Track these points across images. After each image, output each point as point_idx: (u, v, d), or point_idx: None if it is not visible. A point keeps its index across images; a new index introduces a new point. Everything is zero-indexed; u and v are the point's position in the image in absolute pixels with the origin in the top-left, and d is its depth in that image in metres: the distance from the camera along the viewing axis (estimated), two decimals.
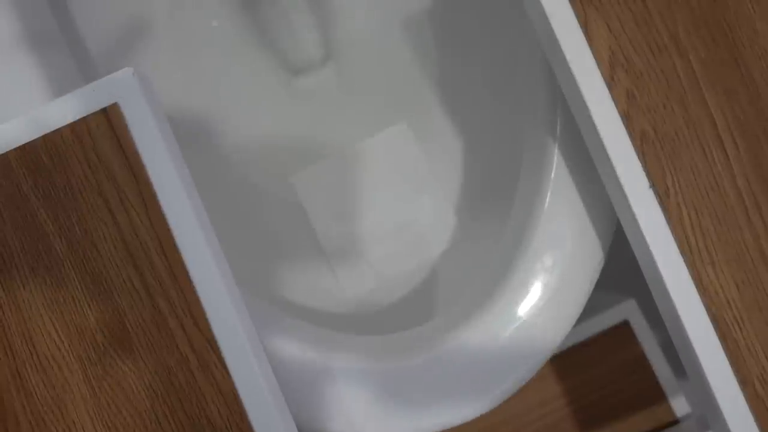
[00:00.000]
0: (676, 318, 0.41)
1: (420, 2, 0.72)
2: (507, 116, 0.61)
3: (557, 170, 0.49)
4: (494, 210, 0.59)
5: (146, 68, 0.71)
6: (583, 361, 0.74)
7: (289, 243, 0.69)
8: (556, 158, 0.49)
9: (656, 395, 0.73)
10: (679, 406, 0.73)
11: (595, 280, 0.49)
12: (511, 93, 0.60)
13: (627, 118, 0.41)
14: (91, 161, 0.42)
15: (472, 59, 0.68)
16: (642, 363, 0.73)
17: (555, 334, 0.48)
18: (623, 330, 0.73)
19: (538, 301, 0.48)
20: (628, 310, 0.73)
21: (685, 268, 0.41)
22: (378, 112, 0.73)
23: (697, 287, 0.41)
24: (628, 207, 0.42)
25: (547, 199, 0.49)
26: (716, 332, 0.40)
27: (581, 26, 0.42)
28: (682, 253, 0.41)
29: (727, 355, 0.40)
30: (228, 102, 0.75)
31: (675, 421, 0.73)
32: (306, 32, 0.78)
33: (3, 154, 0.42)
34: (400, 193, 0.70)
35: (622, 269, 0.64)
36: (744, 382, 0.40)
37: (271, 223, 0.70)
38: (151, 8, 0.71)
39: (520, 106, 0.55)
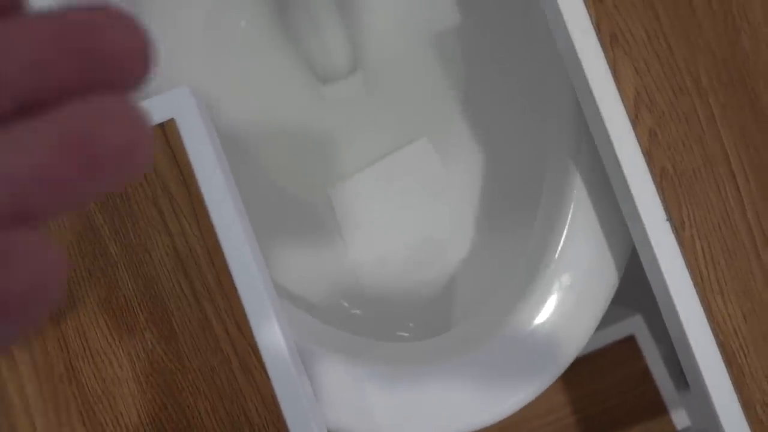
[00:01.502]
0: (686, 343, 0.44)
1: (449, 20, 0.74)
2: (530, 137, 0.63)
3: (578, 195, 0.51)
4: (513, 226, 0.62)
5: (182, 72, 0.74)
6: (589, 373, 0.77)
7: (315, 247, 0.72)
8: (578, 183, 0.51)
9: (658, 408, 0.76)
10: (680, 419, 0.76)
11: (609, 301, 0.52)
12: (536, 113, 0.62)
13: (649, 155, 0.44)
14: (147, 173, 0.45)
15: (497, 79, 0.71)
16: (645, 377, 0.76)
17: (567, 352, 0.51)
18: (629, 344, 0.76)
19: (555, 318, 0.51)
20: (634, 325, 0.76)
21: (696, 296, 0.44)
22: (403, 125, 0.76)
23: (706, 315, 0.44)
24: (646, 237, 0.45)
25: (568, 221, 0.52)
26: (722, 358, 0.44)
27: (610, 66, 0.45)
28: (694, 282, 0.44)
29: (731, 380, 0.44)
30: (255, 104, 0.77)
31: None
32: (335, 42, 0.80)
33: None
34: (423, 206, 0.73)
35: (631, 286, 0.67)
36: (746, 405, 0.44)
37: (297, 227, 0.73)
38: (190, 12, 0.73)
39: (544, 126, 0.58)
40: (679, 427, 0.76)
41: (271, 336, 0.44)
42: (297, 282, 0.69)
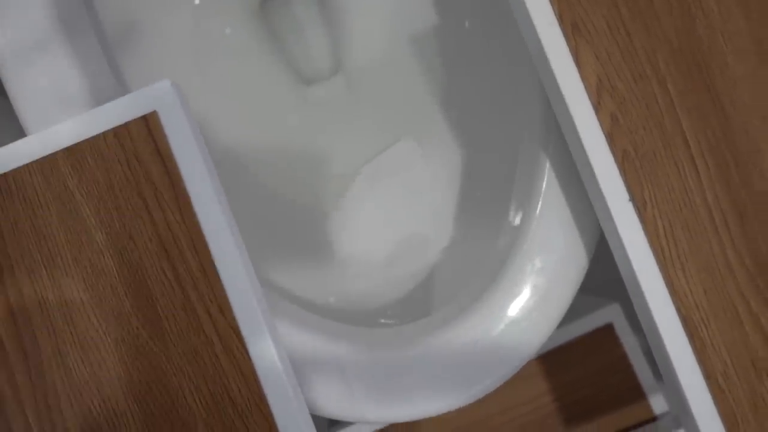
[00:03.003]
0: (650, 317, 0.46)
1: (427, 21, 0.77)
2: (505, 130, 0.66)
3: (548, 182, 0.54)
4: (489, 216, 0.64)
5: (167, 74, 0.75)
6: (569, 361, 0.79)
7: (303, 245, 0.73)
8: (547, 171, 0.54)
9: (636, 394, 0.78)
10: (658, 404, 0.78)
11: (580, 282, 0.54)
12: (510, 109, 0.64)
13: (610, 138, 0.46)
14: (131, 163, 0.47)
15: (474, 77, 0.73)
16: (624, 363, 0.78)
17: (542, 332, 0.53)
18: (607, 332, 0.78)
19: (528, 302, 0.53)
20: (611, 314, 0.78)
21: (659, 272, 0.46)
22: (385, 123, 0.78)
23: (669, 290, 0.46)
24: (610, 217, 0.47)
25: (539, 207, 0.54)
26: (685, 331, 0.46)
27: (572, 55, 0.47)
28: (657, 259, 0.46)
29: (693, 352, 0.46)
30: (241, 107, 0.79)
31: (653, 418, 0.77)
32: (318, 43, 0.82)
33: (52, 154, 0.47)
34: (405, 202, 0.75)
35: (608, 276, 0.69)
36: (708, 376, 0.45)
37: (284, 226, 0.75)
38: (177, 17, 0.75)
39: (517, 121, 0.60)
40: (657, 412, 0.78)
41: (253, 319, 0.46)
42: (282, 276, 0.71)
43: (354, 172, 0.79)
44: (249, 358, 0.46)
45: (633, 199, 0.46)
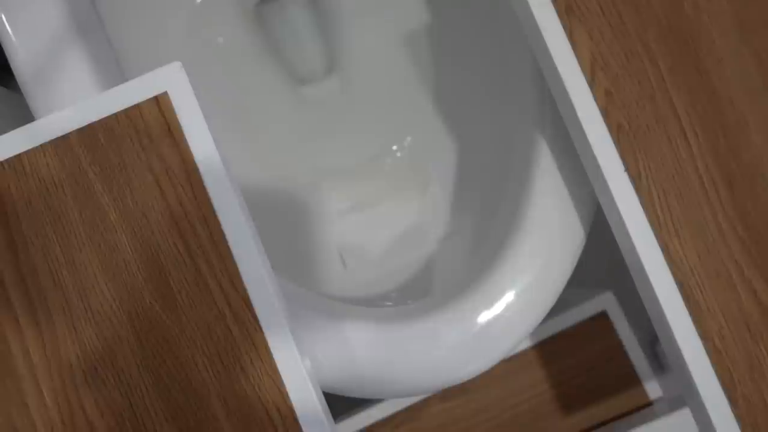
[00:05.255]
0: (648, 283, 0.48)
1: (418, 18, 0.79)
2: (500, 118, 0.68)
3: (544, 159, 0.56)
4: (487, 202, 0.66)
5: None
6: (565, 349, 0.80)
7: (302, 241, 0.75)
8: (544, 149, 0.56)
9: (631, 380, 0.80)
10: (653, 390, 0.79)
11: (577, 257, 0.56)
12: (504, 97, 0.67)
13: (605, 113, 0.48)
14: (143, 142, 0.48)
15: (468, 69, 0.75)
16: (618, 350, 0.80)
17: (543, 305, 0.55)
18: (602, 320, 0.80)
19: (528, 276, 0.55)
20: (606, 302, 0.80)
21: (655, 239, 0.48)
22: (380, 120, 0.80)
23: (664, 256, 0.48)
24: (607, 188, 0.49)
25: (535, 187, 0.56)
26: (681, 295, 0.47)
27: (567, 35, 0.49)
28: (652, 226, 0.48)
29: (690, 315, 0.47)
30: (237, 107, 0.80)
31: (648, 404, 0.79)
32: (312, 43, 0.84)
33: (65, 135, 0.48)
34: (402, 196, 0.77)
35: (602, 264, 0.71)
36: (705, 337, 0.47)
37: (282, 223, 0.76)
38: (176, 17, 0.77)
39: (511, 107, 0.62)
40: (652, 397, 0.80)
41: (262, 290, 0.47)
42: (282, 271, 0.72)
43: (350, 169, 0.80)
44: (260, 330, 0.47)
45: (628, 170, 0.48)
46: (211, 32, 0.80)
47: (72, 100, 0.56)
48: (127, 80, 0.60)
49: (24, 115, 0.58)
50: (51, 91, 0.56)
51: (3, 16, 0.56)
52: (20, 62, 0.55)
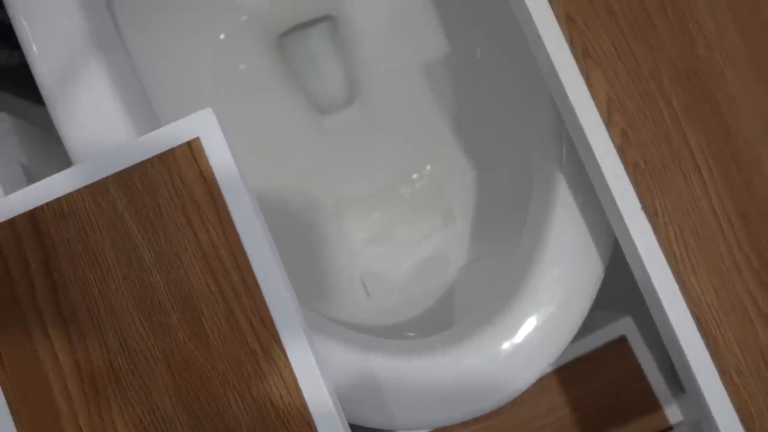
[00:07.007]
0: (666, 318, 0.49)
1: (439, 50, 0.81)
2: (519, 148, 0.69)
3: (563, 195, 0.57)
4: (507, 231, 0.67)
5: (190, 102, 0.79)
6: (585, 374, 0.81)
7: (325, 268, 0.76)
8: (561, 185, 0.57)
9: (651, 404, 0.80)
10: (673, 414, 0.80)
11: (597, 289, 0.57)
12: (523, 128, 0.68)
13: (622, 152, 0.50)
14: (176, 186, 0.50)
15: (486, 100, 0.77)
16: (638, 375, 0.81)
17: (564, 336, 0.56)
18: (621, 345, 0.81)
19: (548, 307, 0.56)
20: (625, 327, 0.81)
21: (672, 276, 0.49)
22: (401, 148, 0.82)
23: (681, 292, 0.49)
24: (624, 226, 0.50)
25: (555, 220, 0.57)
26: (698, 330, 0.48)
27: (584, 78, 0.51)
28: (669, 263, 0.49)
29: (708, 350, 0.48)
30: (260, 137, 0.82)
31: (669, 428, 0.80)
32: (332, 74, 0.86)
33: (102, 179, 0.50)
34: (424, 224, 0.78)
35: (620, 290, 0.72)
36: (722, 372, 0.48)
37: (305, 251, 0.78)
38: (200, 51, 0.79)
39: (530, 138, 0.64)
40: (672, 422, 0.80)
41: (293, 329, 0.49)
42: (307, 299, 0.74)
43: (371, 197, 0.82)
44: (289, 365, 0.49)
45: (645, 207, 0.50)
46: (235, 64, 0.82)
47: (95, 117, 0.58)
48: (152, 108, 0.63)
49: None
50: (74, 109, 0.58)
51: (34, 48, 0.59)
52: (48, 90, 0.57)
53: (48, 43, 0.59)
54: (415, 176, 0.82)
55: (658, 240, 0.49)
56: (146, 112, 0.61)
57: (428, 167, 0.81)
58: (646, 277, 0.50)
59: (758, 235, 0.49)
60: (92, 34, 0.59)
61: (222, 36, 0.81)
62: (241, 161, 0.81)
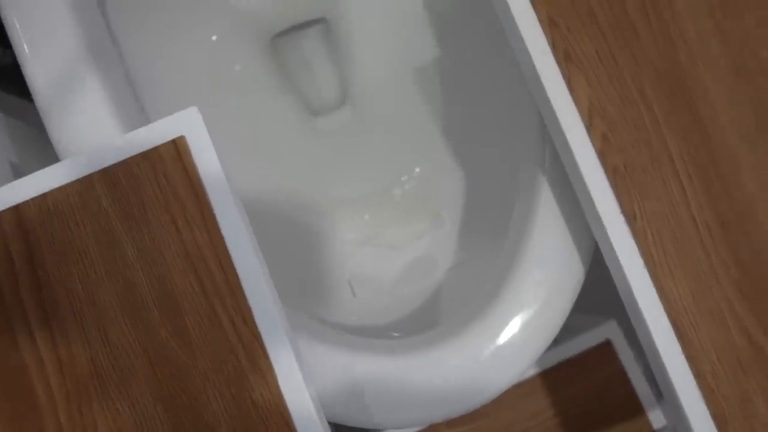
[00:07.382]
0: (643, 321, 0.50)
1: (429, 54, 0.81)
2: (506, 151, 0.70)
3: (545, 198, 0.58)
4: (492, 234, 0.68)
5: (183, 103, 0.79)
6: (570, 377, 0.82)
7: (314, 269, 0.77)
8: (544, 188, 0.58)
9: (635, 408, 0.81)
10: (656, 418, 0.80)
11: (578, 291, 0.58)
12: (510, 132, 0.69)
13: (602, 156, 0.50)
14: (161, 183, 0.50)
15: (477, 102, 0.77)
16: (623, 379, 0.81)
17: (544, 338, 0.56)
18: (606, 349, 0.82)
19: (529, 309, 0.56)
20: (610, 331, 0.81)
21: (650, 279, 0.49)
22: (392, 150, 0.82)
23: (659, 295, 0.49)
24: (603, 229, 0.50)
25: (537, 222, 0.58)
26: (675, 333, 0.49)
27: (565, 81, 0.51)
28: (647, 267, 0.49)
29: (684, 353, 0.49)
30: (252, 138, 0.83)
31: None
32: (325, 76, 0.87)
33: (88, 176, 0.51)
34: (413, 226, 0.79)
35: (605, 294, 0.72)
36: (698, 375, 0.49)
37: (295, 251, 0.79)
38: (194, 52, 0.80)
39: (517, 141, 0.64)
40: (656, 426, 0.81)
41: (274, 329, 0.49)
42: (293, 300, 0.74)
43: (360, 199, 0.82)
44: (270, 364, 0.49)
45: (623, 211, 0.50)
46: (227, 65, 0.83)
47: (84, 118, 0.58)
48: (144, 108, 0.64)
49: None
50: (64, 109, 0.58)
51: (26, 48, 0.59)
52: (39, 91, 0.58)
53: (39, 43, 0.59)
54: (404, 178, 0.82)
55: (636, 243, 0.50)
56: (136, 112, 0.61)
57: (417, 169, 0.82)
58: (624, 279, 0.50)
59: (736, 240, 0.50)
60: (83, 35, 0.60)
61: (215, 37, 0.82)
62: (233, 161, 0.81)
